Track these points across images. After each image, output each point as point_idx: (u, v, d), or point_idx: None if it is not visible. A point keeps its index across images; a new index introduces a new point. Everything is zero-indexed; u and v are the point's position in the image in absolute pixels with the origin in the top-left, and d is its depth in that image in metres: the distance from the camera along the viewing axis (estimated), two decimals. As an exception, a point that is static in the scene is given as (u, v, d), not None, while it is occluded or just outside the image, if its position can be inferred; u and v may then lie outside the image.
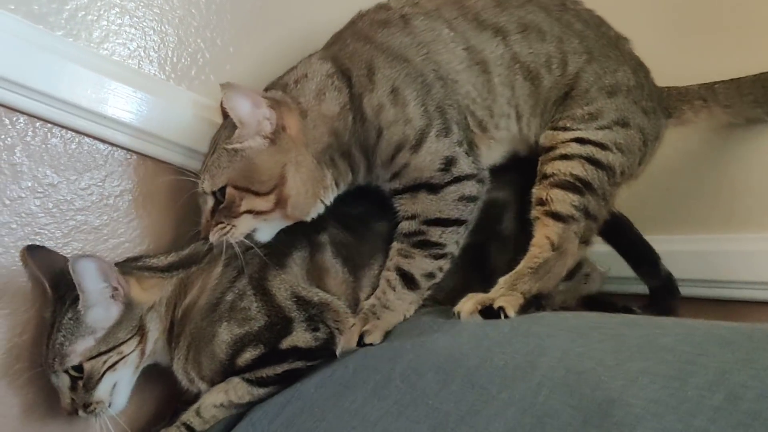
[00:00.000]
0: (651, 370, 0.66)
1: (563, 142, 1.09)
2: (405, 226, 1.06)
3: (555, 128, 1.11)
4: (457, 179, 1.05)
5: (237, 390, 0.99)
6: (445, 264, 1.06)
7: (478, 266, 1.16)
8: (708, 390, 0.61)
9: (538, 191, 1.08)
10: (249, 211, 1.00)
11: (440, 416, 0.74)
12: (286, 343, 0.99)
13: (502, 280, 1.03)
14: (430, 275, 1.06)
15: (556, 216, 1.05)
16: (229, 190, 1.00)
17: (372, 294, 1.07)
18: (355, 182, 1.09)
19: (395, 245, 1.07)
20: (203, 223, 1.03)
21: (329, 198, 1.07)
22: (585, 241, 1.10)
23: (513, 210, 1.17)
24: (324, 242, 1.08)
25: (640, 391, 0.63)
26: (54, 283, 0.97)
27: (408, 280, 1.05)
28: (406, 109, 1.03)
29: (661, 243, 1.23)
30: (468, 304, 0.97)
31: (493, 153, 1.13)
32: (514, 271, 1.04)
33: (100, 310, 0.95)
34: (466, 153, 1.06)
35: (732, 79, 1.18)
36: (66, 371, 0.94)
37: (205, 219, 1.03)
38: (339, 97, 1.04)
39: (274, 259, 1.06)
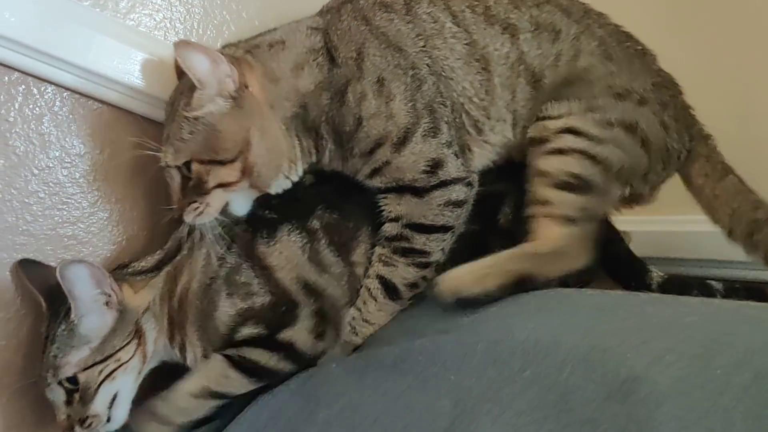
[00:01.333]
0: (677, 348, 0.65)
1: (556, 133, 1.01)
2: (388, 228, 1.00)
3: (545, 117, 1.03)
4: (444, 183, 0.98)
5: (212, 370, 0.93)
6: (430, 273, 1.01)
7: (474, 252, 1.07)
8: (736, 368, 0.60)
9: (537, 190, 1.00)
10: (219, 185, 0.94)
11: (462, 392, 0.74)
12: (285, 335, 0.94)
13: (491, 258, 0.95)
14: (413, 285, 1.01)
15: (561, 219, 0.98)
16: (194, 166, 0.93)
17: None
18: (319, 163, 1.03)
19: (378, 250, 1.02)
20: (174, 201, 0.96)
21: (295, 173, 1.02)
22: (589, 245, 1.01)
23: (511, 202, 1.12)
24: (317, 228, 1.02)
25: (666, 369, 0.62)
26: (48, 296, 0.94)
27: (390, 290, 1.00)
28: (391, 103, 0.97)
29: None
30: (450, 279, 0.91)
31: (486, 155, 1.08)
32: (509, 251, 0.97)
33: (93, 318, 0.91)
34: (456, 155, 1.00)
35: (746, 188, 1.06)
36: (60, 383, 0.90)
37: (176, 196, 0.96)
38: (318, 75, 0.99)
39: (263, 230, 1.00)
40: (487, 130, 1.05)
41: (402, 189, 0.99)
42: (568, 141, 0.99)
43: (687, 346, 0.65)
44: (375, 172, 1.00)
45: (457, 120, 1.03)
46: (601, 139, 1.00)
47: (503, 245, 1.08)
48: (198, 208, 0.93)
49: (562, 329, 0.75)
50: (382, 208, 1.01)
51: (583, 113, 1.01)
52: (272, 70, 0.98)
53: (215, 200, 0.94)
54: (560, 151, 0.99)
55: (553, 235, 0.98)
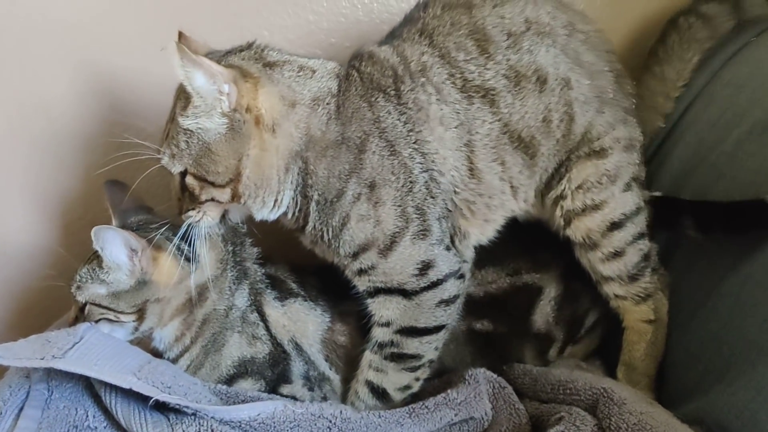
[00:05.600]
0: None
1: (602, 234, 0.99)
2: (378, 334, 0.96)
3: (578, 212, 0.99)
4: (435, 284, 0.93)
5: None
6: (423, 373, 0.99)
7: (492, 354, 1.07)
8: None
9: (609, 289, 1.04)
10: (211, 200, 0.92)
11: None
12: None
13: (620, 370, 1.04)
14: (406, 387, 0.99)
15: (642, 299, 1.03)
16: (188, 179, 0.91)
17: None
18: (302, 233, 0.98)
19: (368, 355, 0.98)
20: (174, 200, 0.96)
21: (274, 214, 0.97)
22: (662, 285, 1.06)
23: (551, 298, 1.08)
24: (348, 312, 1.04)
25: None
26: (120, 220, 1.03)
27: (379, 395, 0.98)
28: (380, 209, 0.92)
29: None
30: None
31: (487, 233, 1.03)
32: (626, 366, 1.04)
33: (118, 274, 0.97)
34: (447, 248, 0.95)
35: None
36: (75, 300, 0.98)
37: (176, 196, 0.96)
38: (323, 119, 0.92)
39: (278, 288, 1.05)
40: (482, 207, 0.98)
41: (390, 291, 0.95)
42: (619, 239, 1.00)
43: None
44: (361, 272, 0.96)
45: (448, 208, 0.96)
46: (637, 209, 1.00)
47: (535, 351, 1.08)
48: (197, 216, 0.93)
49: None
50: (371, 311, 0.97)
51: (609, 188, 0.98)
52: (292, 93, 0.92)
53: (211, 210, 0.94)
54: (617, 255, 1.01)
55: (640, 316, 1.04)
